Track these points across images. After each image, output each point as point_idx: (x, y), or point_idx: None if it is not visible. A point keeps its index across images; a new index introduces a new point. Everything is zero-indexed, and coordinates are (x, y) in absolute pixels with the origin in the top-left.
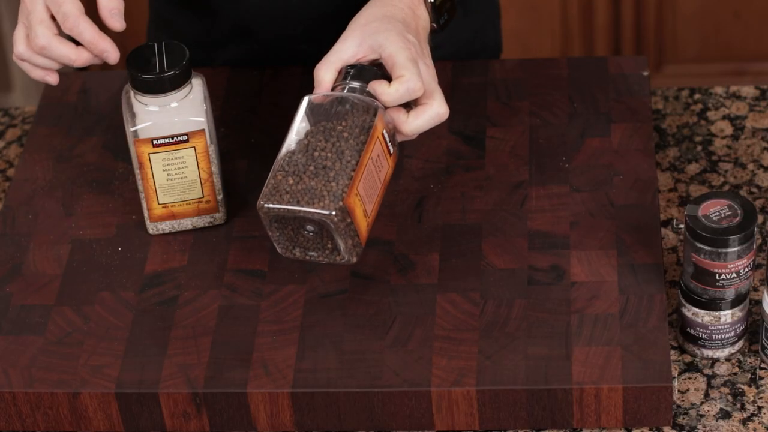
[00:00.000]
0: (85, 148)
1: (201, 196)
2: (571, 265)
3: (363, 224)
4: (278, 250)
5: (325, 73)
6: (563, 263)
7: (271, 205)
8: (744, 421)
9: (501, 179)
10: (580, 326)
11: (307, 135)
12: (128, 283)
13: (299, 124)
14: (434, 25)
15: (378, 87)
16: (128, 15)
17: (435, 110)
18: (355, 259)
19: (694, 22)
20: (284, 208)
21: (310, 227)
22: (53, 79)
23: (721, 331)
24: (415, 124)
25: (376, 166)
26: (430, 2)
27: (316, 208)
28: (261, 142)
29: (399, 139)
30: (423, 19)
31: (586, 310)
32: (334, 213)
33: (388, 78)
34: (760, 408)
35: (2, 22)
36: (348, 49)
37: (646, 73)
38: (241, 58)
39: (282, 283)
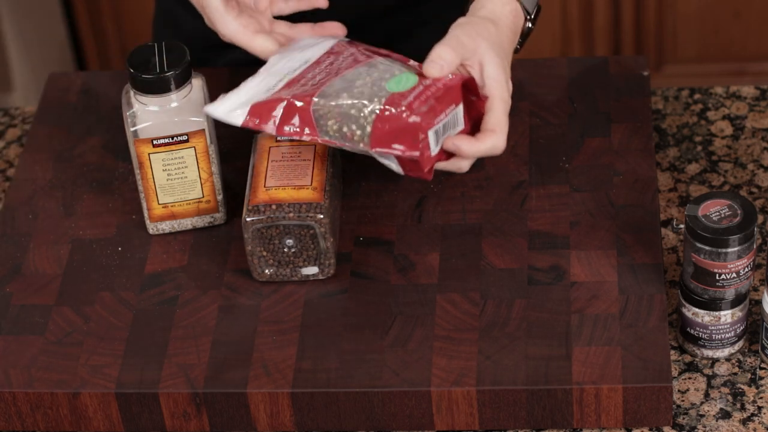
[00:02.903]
0: (85, 148)
1: (201, 196)
2: (571, 265)
3: (293, 193)
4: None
5: (447, 52)
6: (563, 263)
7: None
8: (744, 421)
9: (501, 179)
10: (580, 326)
11: None
12: (128, 283)
13: None
14: (529, 24)
15: (461, 143)
16: (129, 15)
17: (495, 141)
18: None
19: (694, 22)
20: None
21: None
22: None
23: (721, 331)
24: (476, 147)
25: (285, 157)
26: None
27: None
28: None
29: (453, 166)
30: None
31: (586, 310)
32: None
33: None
34: (760, 408)
35: (2, 22)
36: (461, 45)
37: (646, 73)
38: (244, 59)
39: (282, 283)
